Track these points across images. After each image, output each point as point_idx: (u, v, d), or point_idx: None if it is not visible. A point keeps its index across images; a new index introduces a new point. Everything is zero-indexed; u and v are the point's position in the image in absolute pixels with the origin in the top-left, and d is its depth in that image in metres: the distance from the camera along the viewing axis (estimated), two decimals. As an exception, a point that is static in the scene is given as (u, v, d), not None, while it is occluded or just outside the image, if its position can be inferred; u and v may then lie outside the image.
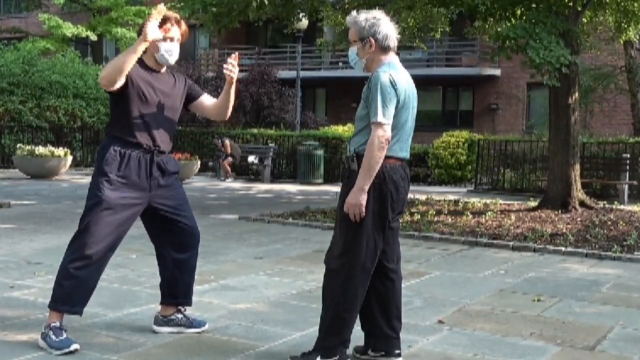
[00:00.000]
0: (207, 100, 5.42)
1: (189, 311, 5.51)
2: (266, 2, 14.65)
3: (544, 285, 7.61)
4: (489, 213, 12.97)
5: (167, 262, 5.31)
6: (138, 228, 5.19)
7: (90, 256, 4.89)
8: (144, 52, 5.06)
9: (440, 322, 5.96)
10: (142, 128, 5.00)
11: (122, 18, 33.11)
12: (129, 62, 4.77)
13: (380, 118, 4.40)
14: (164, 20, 5.00)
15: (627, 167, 17.61)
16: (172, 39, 5.04)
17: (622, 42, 19.72)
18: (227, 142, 23.18)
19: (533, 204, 14.55)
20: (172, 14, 5.08)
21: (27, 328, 5.34)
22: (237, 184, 21.28)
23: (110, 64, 4.80)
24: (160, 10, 4.79)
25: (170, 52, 5.05)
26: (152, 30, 4.76)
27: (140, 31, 5.04)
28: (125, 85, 4.92)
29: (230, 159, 22.87)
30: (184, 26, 5.12)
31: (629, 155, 17.79)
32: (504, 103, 30.17)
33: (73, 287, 4.92)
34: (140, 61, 5.08)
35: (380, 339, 4.79)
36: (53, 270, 7.00)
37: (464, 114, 31.36)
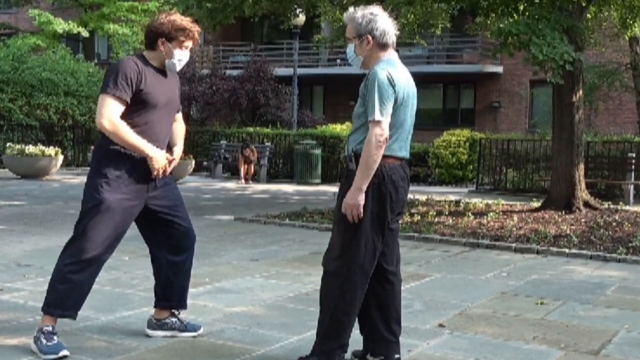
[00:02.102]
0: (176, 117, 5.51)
1: (183, 315, 5.52)
2: (262, -2, 14.67)
3: (547, 287, 7.61)
4: (491, 214, 12.97)
5: (161, 265, 5.31)
6: (131, 229, 5.19)
7: (88, 260, 4.90)
8: (153, 49, 5.08)
9: (440, 325, 5.97)
10: (141, 128, 4.99)
11: (114, 14, 33.07)
12: (129, 146, 4.91)
13: (377, 116, 4.41)
14: (187, 31, 5.07)
15: (633, 166, 17.61)
16: (187, 48, 5.13)
17: (627, 38, 19.74)
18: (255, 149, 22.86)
19: (536, 204, 14.55)
20: (194, 26, 5.13)
21: (17, 332, 5.34)
22: (233, 184, 21.27)
23: (121, 133, 4.85)
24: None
25: (182, 61, 5.15)
26: (159, 161, 4.99)
27: (150, 32, 5.07)
28: (134, 88, 4.94)
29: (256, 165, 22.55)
30: (198, 36, 5.21)
31: (634, 155, 17.80)
32: (507, 101, 30.19)
33: (68, 291, 4.92)
34: (144, 59, 5.09)
35: (380, 343, 4.80)
36: (43, 273, 7.03)
37: (466, 112, 31.37)
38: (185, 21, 5.10)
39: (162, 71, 5.15)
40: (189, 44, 5.11)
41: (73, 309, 5.00)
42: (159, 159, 4.96)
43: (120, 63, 5.00)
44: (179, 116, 5.53)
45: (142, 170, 5.01)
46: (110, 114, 4.82)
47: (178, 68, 5.15)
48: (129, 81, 4.88)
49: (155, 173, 4.98)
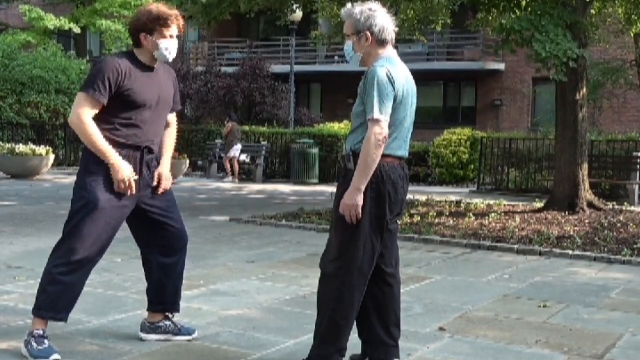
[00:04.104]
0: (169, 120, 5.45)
1: (177, 318, 5.51)
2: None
3: (551, 290, 7.62)
4: (493, 215, 12.97)
5: (153, 267, 5.31)
6: (124, 230, 5.19)
7: (79, 261, 4.90)
8: (139, 46, 5.06)
9: (441, 329, 5.97)
10: (132, 126, 4.98)
11: (107, 10, 33.04)
12: (94, 149, 4.90)
13: (376, 115, 4.41)
14: (165, 19, 5.01)
15: (638, 166, 17.61)
16: (172, 37, 5.06)
17: (632, 35, 19.75)
18: (229, 125, 22.99)
19: (539, 205, 14.56)
20: (172, 12, 5.08)
21: (8, 335, 5.33)
22: (229, 184, 21.27)
23: (88, 133, 4.85)
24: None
25: (170, 50, 5.07)
26: (121, 173, 4.90)
27: (131, 29, 5.06)
28: (114, 90, 4.92)
29: (232, 153, 22.59)
30: (181, 21, 5.14)
31: (639, 154, 17.81)
32: (509, 99, 30.19)
33: (59, 293, 4.92)
34: (133, 57, 5.07)
35: (378, 347, 4.80)
36: (34, 275, 7.02)
37: (467, 111, 31.38)
38: (161, 9, 5.04)
39: (152, 68, 5.12)
40: (172, 32, 5.05)
41: (64, 311, 5.00)
42: (122, 171, 4.87)
43: (102, 62, 4.99)
44: (173, 118, 5.45)
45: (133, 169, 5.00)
46: (82, 113, 4.84)
47: (169, 58, 5.09)
48: (108, 82, 4.86)
49: (117, 186, 4.89)
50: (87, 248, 4.91)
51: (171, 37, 5.06)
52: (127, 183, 4.89)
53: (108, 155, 4.85)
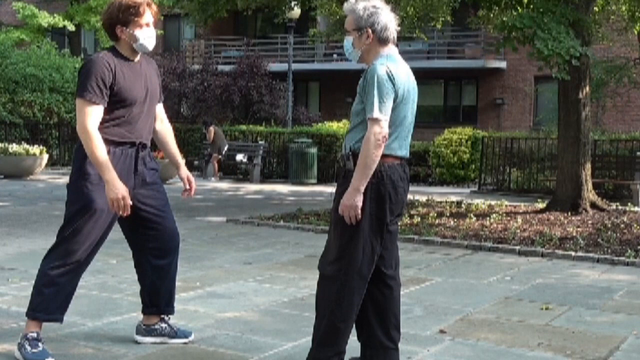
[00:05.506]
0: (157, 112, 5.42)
1: (173, 320, 5.51)
2: (256, -10, 14.68)
3: (553, 292, 7.62)
4: (494, 215, 12.97)
5: (146, 270, 5.30)
6: (119, 231, 5.19)
7: (75, 262, 4.91)
8: (117, 40, 5.05)
9: (441, 331, 5.97)
10: (125, 123, 4.98)
11: (101, 7, 32.88)
12: (93, 160, 4.82)
13: (376, 113, 4.40)
14: (136, 7, 4.96)
15: (641, 166, 17.64)
16: (147, 25, 5.02)
17: (636, 32, 19.75)
18: (212, 129, 23.17)
19: (541, 205, 14.57)
20: (139, 1, 5.00)
21: (1, 338, 5.32)
22: (225, 184, 21.27)
23: (92, 144, 4.77)
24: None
25: (150, 38, 5.04)
26: (114, 190, 4.80)
27: (105, 24, 5.03)
28: (108, 89, 4.90)
29: (216, 154, 22.85)
30: (154, 7, 5.09)
31: (643, 154, 17.82)
32: (510, 98, 30.20)
33: (54, 294, 4.92)
34: (116, 52, 5.04)
35: (378, 350, 4.79)
36: (28, 277, 7.02)
37: (467, 110, 31.38)
38: None
39: (135, 61, 5.10)
40: (146, 19, 5.00)
41: (58, 312, 4.99)
42: (116, 189, 4.77)
43: (92, 62, 4.91)
44: (161, 110, 5.43)
45: (127, 167, 4.99)
46: (87, 123, 4.80)
47: (149, 48, 5.05)
48: (103, 83, 4.84)
49: (110, 204, 4.81)
50: (85, 250, 4.91)
51: (147, 25, 5.01)
52: (122, 202, 4.80)
53: (106, 170, 4.78)
